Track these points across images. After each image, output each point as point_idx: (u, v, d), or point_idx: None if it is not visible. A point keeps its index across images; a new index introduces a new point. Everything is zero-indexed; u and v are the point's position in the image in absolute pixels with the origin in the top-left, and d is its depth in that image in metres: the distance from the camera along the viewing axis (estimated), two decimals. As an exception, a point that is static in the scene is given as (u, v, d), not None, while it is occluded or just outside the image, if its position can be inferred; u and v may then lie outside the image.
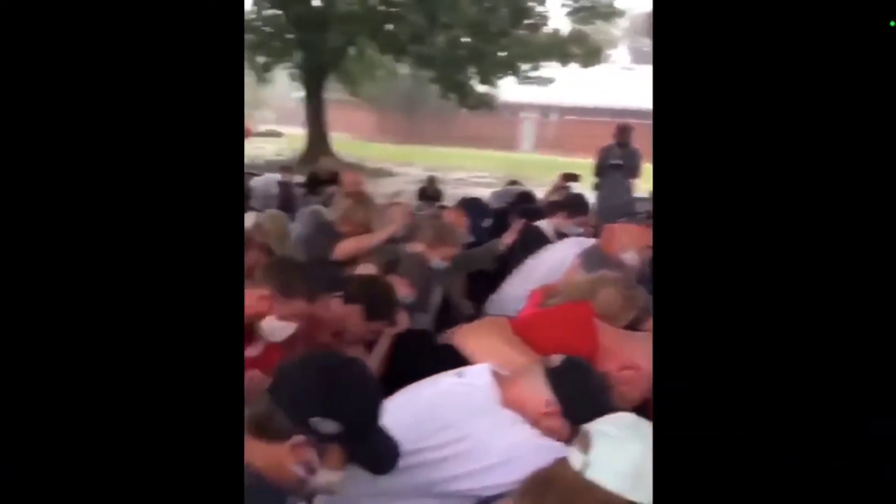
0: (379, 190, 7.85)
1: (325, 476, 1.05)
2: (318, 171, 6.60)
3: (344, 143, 19.94)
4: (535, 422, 1.36)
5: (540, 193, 5.31)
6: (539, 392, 1.38)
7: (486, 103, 16.45)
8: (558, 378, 1.38)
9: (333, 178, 6.16)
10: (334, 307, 2.19)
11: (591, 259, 2.73)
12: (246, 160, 9.43)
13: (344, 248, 2.96)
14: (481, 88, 16.29)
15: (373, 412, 1.09)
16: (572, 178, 5.95)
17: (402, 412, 1.35)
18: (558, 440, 1.33)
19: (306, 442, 1.02)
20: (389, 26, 16.04)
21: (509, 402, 1.40)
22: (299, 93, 21.23)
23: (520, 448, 1.30)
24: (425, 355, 1.98)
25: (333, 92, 19.43)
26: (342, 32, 16.81)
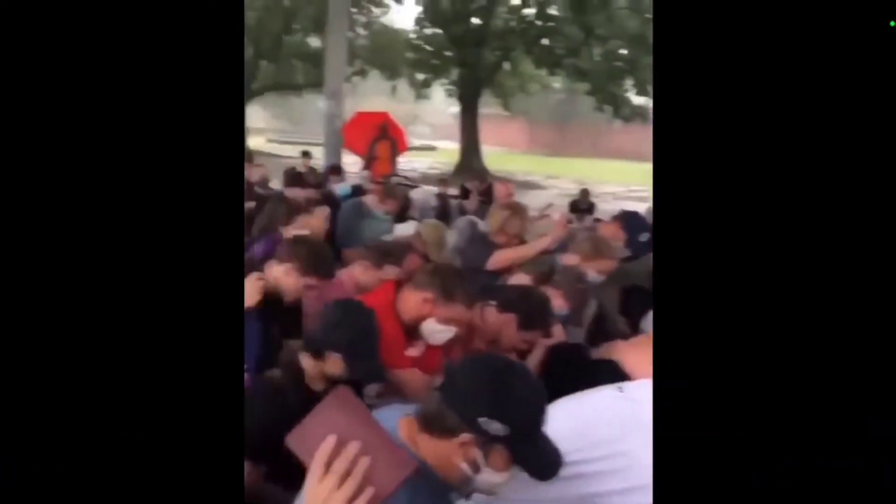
0: (529, 202, 7.88)
1: (489, 476, 1.08)
2: (471, 183, 6.77)
3: (495, 156, 20.20)
4: None
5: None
6: None
7: (641, 115, 15.91)
8: None
9: (486, 190, 6.28)
10: (489, 315, 2.24)
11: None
12: (401, 173, 9.87)
13: (500, 258, 3.02)
14: (637, 100, 15.80)
15: (538, 417, 1.10)
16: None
17: (559, 422, 1.35)
18: None
19: (474, 441, 1.05)
20: (545, 41, 16.07)
21: None
22: (454, 108, 21.89)
23: None
24: (579, 369, 1.96)
25: (486, 107, 19.80)
26: (498, 48, 17.10)
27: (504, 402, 1.05)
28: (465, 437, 1.05)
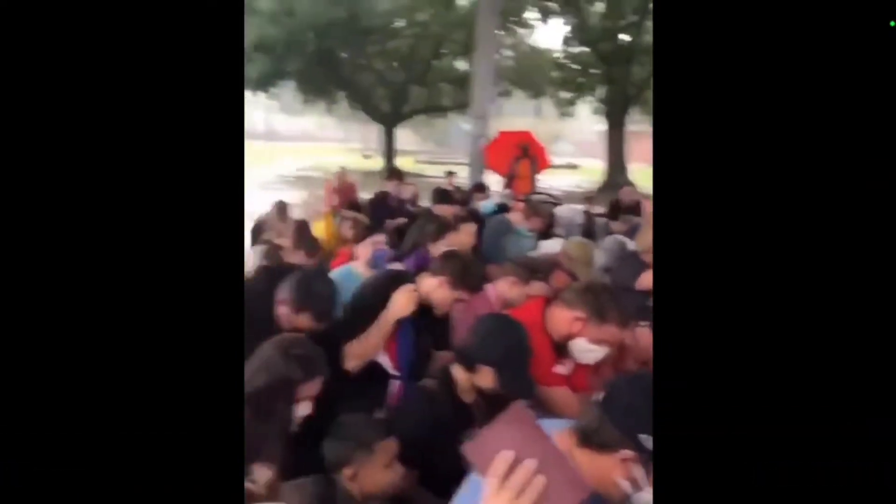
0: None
1: (650, 495, 1.04)
2: (620, 201, 6.58)
3: (644, 172, 19.49)
4: None
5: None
6: None
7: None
8: None
9: (635, 208, 6.08)
10: (642, 336, 2.16)
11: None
12: (542, 191, 9.82)
13: (650, 278, 2.90)
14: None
15: None
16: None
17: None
18: None
19: (635, 458, 1.02)
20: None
21: None
22: (599, 126, 21.47)
23: None
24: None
25: (634, 123, 19.22)
26: (648, 63, 16.55)
27: None
28: (626, 453, 1.02)
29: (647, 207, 5.21)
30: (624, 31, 16.79)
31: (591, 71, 17.79)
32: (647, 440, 1.00)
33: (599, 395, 1.10)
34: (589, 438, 1.07)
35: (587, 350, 1.93)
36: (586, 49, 17.53)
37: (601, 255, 3.70)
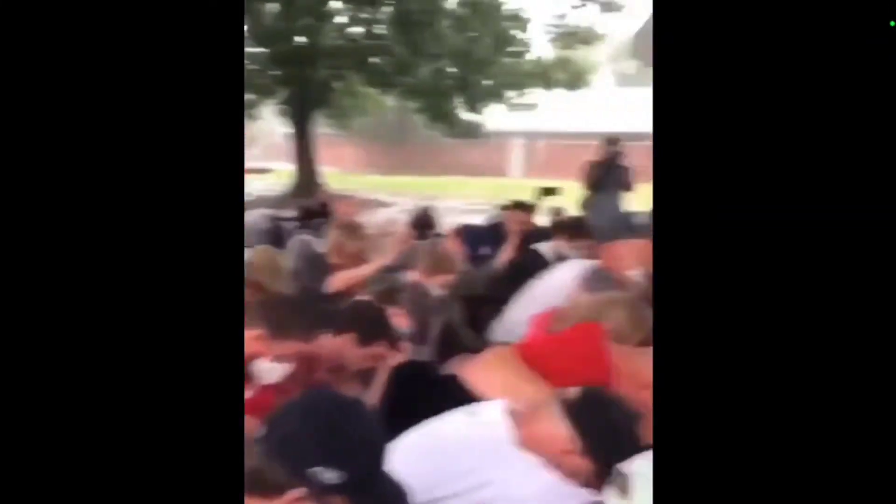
0: (372, 220, 7.77)
1: None
2: (310, 204, 6.50)
3: (334, 176, 19.93)
4: (556, 463, 1.24)
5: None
6: (558, 429, 1.27)
7: (471, 132, 16.49)
8: (578, 412, 1.27)
9: (325, 210, 6.06)
10: (325, 342, 2.08)
11: (594, 280, 2.63)
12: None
13: (338, 281, 2.86)
14: (468, 117, 16.36)
15: (377, 458, 0.98)
16: (551, 192, 5.91)
17: (412, 456, 1.23)
18: (582, 483, 1.21)
19: (306, 495, 0.92)
20: (374, 59, 16.17)
21: (526, 442, 1.28)
22: (287, 129, 21.35)
23: (547, 496, 1.18)
24: (427, 388, 1.87)
25: (321, 126, 19.50)
26: (327, 67, 16.93)
27: (336, 446, 0.93)
28: (296, 492, 0.91)
29: (339, 208, 5.23)
30: (299, 32, 16.83)
31: (270, 73, 17.47)
32: (318, 473, 0.89)
33: (261, 432, 0.96)
34: (255, 483, 0.91)
35: (268, 369, 1.78)
36: (265, 50, 17.16)
37: (288, 260, 3.56)
